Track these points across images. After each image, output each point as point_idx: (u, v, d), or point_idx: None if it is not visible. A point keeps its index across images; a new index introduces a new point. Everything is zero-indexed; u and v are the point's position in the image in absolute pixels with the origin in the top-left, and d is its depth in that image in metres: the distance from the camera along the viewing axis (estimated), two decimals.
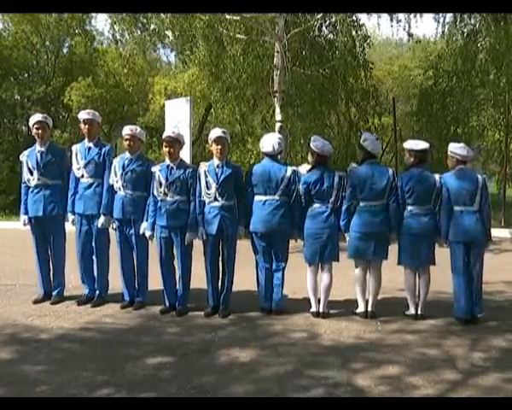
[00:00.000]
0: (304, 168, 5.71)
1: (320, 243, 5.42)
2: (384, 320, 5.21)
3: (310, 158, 5.60)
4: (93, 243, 5.78)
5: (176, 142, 5.52)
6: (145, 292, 5.77)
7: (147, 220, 5.53)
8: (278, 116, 13.48)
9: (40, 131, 5.78)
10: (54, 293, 5.90)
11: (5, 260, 8.58)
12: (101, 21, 50.58)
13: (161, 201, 5.45)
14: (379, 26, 12.67)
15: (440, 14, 13.88)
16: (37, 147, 5.81)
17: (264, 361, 4.15)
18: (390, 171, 5.53)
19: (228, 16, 12.84)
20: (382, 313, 5.39)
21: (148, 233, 5.50)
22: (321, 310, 5.44)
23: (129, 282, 5.77)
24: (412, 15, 13.06)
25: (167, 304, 5.59)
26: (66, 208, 5.81)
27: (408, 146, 5.60)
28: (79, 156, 5.77)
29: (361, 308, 5.47)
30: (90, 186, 5.72)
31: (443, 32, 14.37)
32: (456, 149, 5.50)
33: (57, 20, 20.82)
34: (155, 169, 5.54)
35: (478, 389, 3.61)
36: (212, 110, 17.59)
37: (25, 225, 5.92)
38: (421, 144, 5.64)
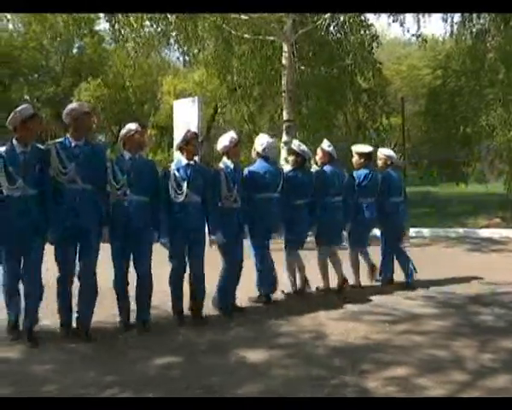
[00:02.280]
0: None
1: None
2: (392, 321, 5.20)
3: (291, 159, 6.29)
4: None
5: (197, 140, 5.42)
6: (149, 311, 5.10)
7: (158, 228, 5.02)
8: (286, 116, 13.48)
9: (36, 127, 4.62)
10: (24, 327, 4.63)
11: None
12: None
13: (180, 203, 5.07)
14: (389, 25, 12.72)
15: (449, 14, 13.84)
16: (18, 147, 4.50)
17: (272, 362, 4.15)
18: (344, 172, 6.56)
19: (235, 16, 12.84)
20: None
21: (163, 241, 5.05)
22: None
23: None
24: (421, 15, 13.05)
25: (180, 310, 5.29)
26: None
27: (359, 149, 6.72)
28: (64, 157, 4.60)
29: (326, 285, 6.36)
30: (83, 193, 4.62)
31: (451, 31, 14.32)
32: (389, 153, 7.00)
33: (65, 21, 20.91)
34: (171, 169, 5.16)
35: (486, 390, 3.58)
36: (219, 110, 17.62)
37: None
38: (368, 148, 6.84)
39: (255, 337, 4.77)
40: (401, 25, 13.39)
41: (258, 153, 5.89)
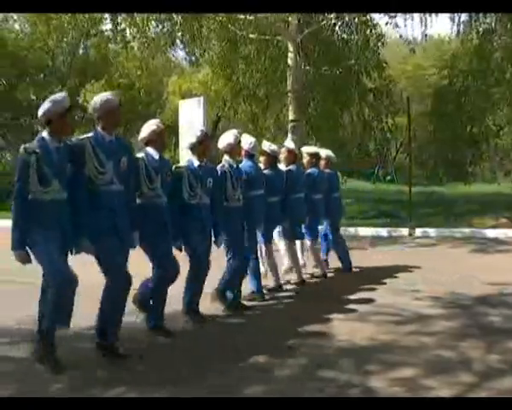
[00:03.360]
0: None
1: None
2: (399, 321, 5.17)
3: (262, 159, 6.45)
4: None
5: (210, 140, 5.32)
6: None
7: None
8: (291, 116, 13.47)
9: (71, 121, 4.21)
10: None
11: None
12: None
13: (194, 205, 4.97)
14: (396, 24, 12.65)
15: (455, 14, 13.78)
16: (52, 142, 3.86)
17: (278, 362, 4.13)
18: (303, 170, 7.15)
19: (241, 16, 12.84)
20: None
21: (177, 244, 4.88)
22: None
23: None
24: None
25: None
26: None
27: (310, 150, 7.43)
28: (101, 155, 4.04)
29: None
30: (120, 195, 4.14)
31: (458, 31, 14.27)
32: (330, 154, 7.78)
33: (69, 21, 20.91)
34: (183, 169, 5.01)
35: (493, 391, 3.54)
36: (224, 110, 17.61)
37: (24, 263, 3.92)
38: (316, 149, 7.69)
39: (261, 338, 4.76)
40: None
41: (246, 151, 5.93)
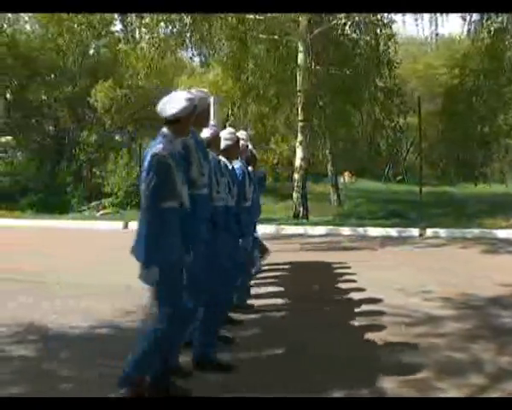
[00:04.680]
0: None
1: None
2: (410, 323, 5.15)
3: None
4: None
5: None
6: None
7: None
8: (301, 115, 13.47)
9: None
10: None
11: (33, 256, 8.71)
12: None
13: (228, 206, 4.54)
14: (404, 23, 12.68)
15: (467, 13, 13.72)
16: (177, 143, 3.40)
17: (287, 362, 4.14)
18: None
19: (251, 16, 12.87)
20: None
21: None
22: None
23: None
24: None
25: None
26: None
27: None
28: (201, 156, 3.68)
29: None
30: (208, 201, 3.86)
31: (469, 30, 14.20)
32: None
33: (80, 22, 21.03)
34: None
35: (505, 393, 3.52)
36: (233, 110, 17.64)
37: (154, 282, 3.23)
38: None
39: (269, 337, 4.76)
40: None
41: None
